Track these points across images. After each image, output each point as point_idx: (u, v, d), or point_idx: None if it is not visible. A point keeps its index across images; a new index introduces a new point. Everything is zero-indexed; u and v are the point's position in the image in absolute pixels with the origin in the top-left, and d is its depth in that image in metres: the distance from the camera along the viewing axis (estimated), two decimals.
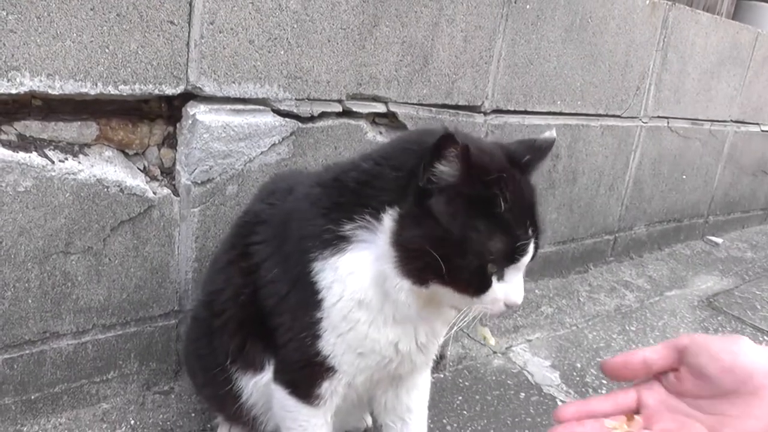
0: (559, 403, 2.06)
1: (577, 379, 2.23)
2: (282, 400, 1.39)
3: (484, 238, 1.09)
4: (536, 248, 1.16)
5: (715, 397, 0.75)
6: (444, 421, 1.89)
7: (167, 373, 1.89)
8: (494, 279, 1.12)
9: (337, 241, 1.22)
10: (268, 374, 1.41)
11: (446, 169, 1.08)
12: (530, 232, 1.13)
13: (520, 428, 1.91)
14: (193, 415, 1.80)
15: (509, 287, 1.14)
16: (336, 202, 1.25)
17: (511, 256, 1.11)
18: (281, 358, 1.37)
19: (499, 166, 1.12)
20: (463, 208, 1.10)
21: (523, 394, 2.09)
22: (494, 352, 2.34)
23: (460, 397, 2.02)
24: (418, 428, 1.54)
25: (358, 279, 1.21)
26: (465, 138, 1.11)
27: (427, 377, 1.56)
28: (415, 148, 1.18)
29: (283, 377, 1.38)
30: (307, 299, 1.27)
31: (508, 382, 2.16)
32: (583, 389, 2.17)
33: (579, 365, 2.33)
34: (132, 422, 1.75)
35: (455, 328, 1.23)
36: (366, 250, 1.20)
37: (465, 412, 1.95)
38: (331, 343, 1.28)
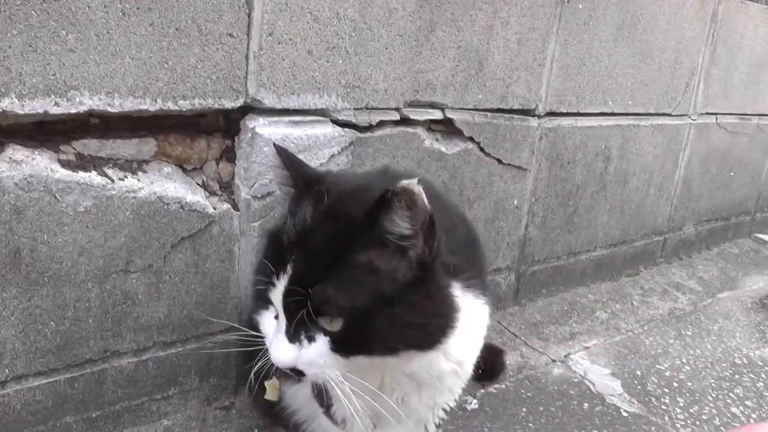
0: (624, 413, 2.01)
1: (639, 387, 2.18)
2: (319, 415, 1.41)
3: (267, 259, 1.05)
4: (312, 299, 0.97)
5: None
6: None
7: (227, 388, 1.87)
8: (272, 311, 1.07)
9: None
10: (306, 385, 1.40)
11: None
12: (288, 266, 1.01)
13: None
14: (255, 430, 1.79)
15: (271, 331, 1.07)
16: None
17: (260, 280, 1.05)
18: None
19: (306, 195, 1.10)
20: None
21: (586, 405, 2.04)
22: (553, 361, 2.29)
23: (524, 409, 1.98)
24: None
25: None
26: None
27: None
28: None
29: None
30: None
31: (570, 392, 2.11)
32: (646, 398, 2.11)
33: (639, 373, 2.28)
34: None
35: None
36: None
37: (531, 425, 1.91)
38: None
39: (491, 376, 2.08)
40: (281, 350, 1.01)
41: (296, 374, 1.04)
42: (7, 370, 1.50)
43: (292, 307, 0.99)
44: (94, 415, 1.68)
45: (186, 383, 1.80)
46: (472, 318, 1.16)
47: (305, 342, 1.01)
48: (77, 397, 1.63)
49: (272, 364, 1.08)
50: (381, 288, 0.99)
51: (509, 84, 2.20)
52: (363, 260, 0.99)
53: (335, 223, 1.02)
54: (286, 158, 1.20)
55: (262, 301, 1.08)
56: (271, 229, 1.22)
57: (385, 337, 1.00)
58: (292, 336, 1.01)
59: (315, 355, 1.01)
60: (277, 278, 1.01)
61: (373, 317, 0.98)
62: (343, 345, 1.00)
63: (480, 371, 2.01)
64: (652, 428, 1.96)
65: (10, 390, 1.53)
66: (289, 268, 1.00)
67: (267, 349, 1.08)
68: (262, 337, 1.13)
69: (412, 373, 1.19)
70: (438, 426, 1.38)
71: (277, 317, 1.05)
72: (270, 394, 1.40)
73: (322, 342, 1.00)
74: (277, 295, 1.01)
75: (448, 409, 1.35)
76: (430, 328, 1.04)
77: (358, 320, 0.98)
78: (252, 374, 1.21)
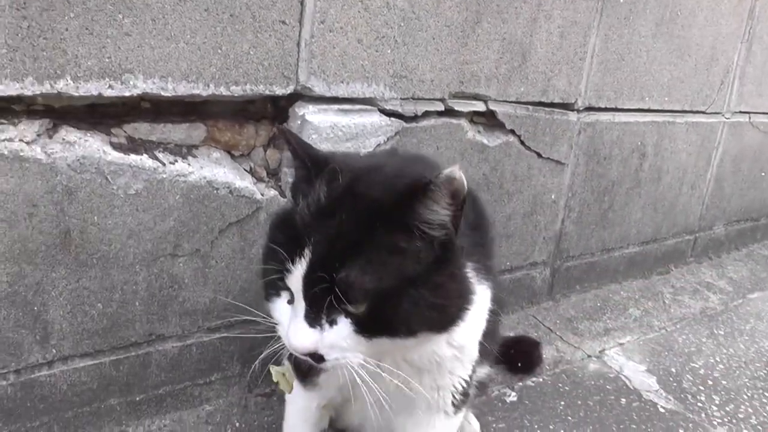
0: (661, 410, 2.00)
1: (674, 384, 2.17)
2: None
3: (278, 243, 1.01)
4: (316, 277, 0.95)
5: None
6: (551, 427, 1.85)
7: (268, 375, 1.86)
8: (285, 297, 1.03)
9: None
10: None
11: None
12: (307, 249, 0.96)
13: None
14: None
15: (288, 320, 1.01)
16: None
17: (276, 264, 1.00)
18: None
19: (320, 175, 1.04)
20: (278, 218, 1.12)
21: (623, 400, 2.04)
22: (588, 356, 2.29)
23: (562, 403, 1.98)
24: None
25: None
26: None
27: (454, 422, 1.39)
28: None
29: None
30: None
31: (607, 387, 2.10)
32: (682, 395, 2.11)
33: (674, 370, 2.27)
34: (237, 424, 1.74)
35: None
36: None
37: (570, 418, 1.90)
38: None
39: (529, 368, 2.08)
40: (301, 335, 0.97)
41: (315, 361, 0.99)
42: (54, 350, 1.51)
43: (315, 292, 0.95)
44: (137, 399, 1.69)
45: (228, 369, 1.81)
46: (477, 302, 1.13)
47: (326, 326, 0.98)
48: (122, 379, 1.64)
49: (281, 353, 1.10)
50: (406, 269, 0.96)
51: (550, 77, 2.20)
52: (389, 242, 0.96)
53: (356, 204, 0.98)
54: (293, 138, 1.14)
55: (272, 288, 1.04)
56: (277, 212, 1.20)
57: (409, 319, 0.97)
58: (313, 320, 0.97)
59: (338, 337, 0.98)
60: (293, 263, 0.96)
61: (398, 298, 0.96)
62: (367, 327, 0.97)
63: (518, 364, 2.03)
64: (690, 425, 1.95)
65: (56, 370, 1.54)
66: (307, 252, 0.95)
67: (278, 337, 1.07)
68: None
69: (411, 360, 1.17)
70: (457, 406, 1.34)
71: (290, 302, 1.01)
72: (283, 385, 1.37)
73: (344, 324, 0.97)
74: (294, 280, 0.97)
75: (459, 389, 1.30)
76: (451, 309, 1.02)
77: (382, 302, 0.95)
78: (257, 361, 1.22)
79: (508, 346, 1.92)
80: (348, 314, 0.97)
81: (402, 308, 0.96)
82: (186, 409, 1.77)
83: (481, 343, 1.29)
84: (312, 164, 1.07)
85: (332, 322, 0.98)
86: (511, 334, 2.27)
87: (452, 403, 1.32)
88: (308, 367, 1.27)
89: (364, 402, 1.13)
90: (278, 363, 1.39)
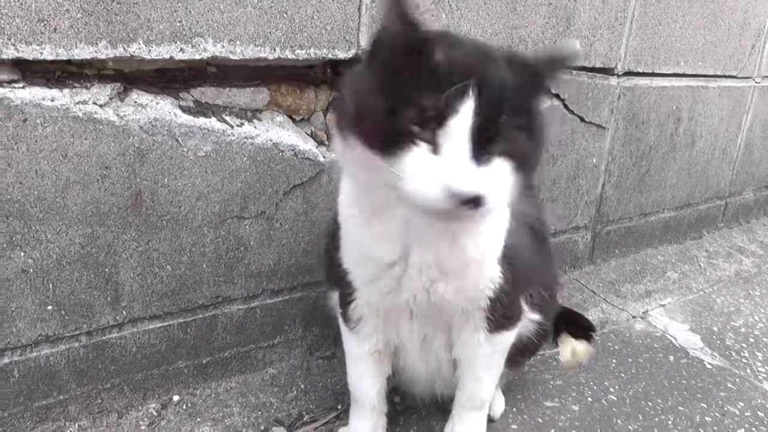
0: (708, 366, 2.04)
1: (718, 342, 2.21)
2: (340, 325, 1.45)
3: (405, 88, 0.93)
4: (496, 128, 0.94)
5: None
6: (605, 383, 1.88)
7: (328, 338, 1.90)
8: (423, 146, 0.93)
9: None
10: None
11: (386, 26, 0.98)
12: (470, 90, 0.91)
13: (678, 390, 1.89)
14: None
15: (448, 165, 0.92)
16: None
17: (436, 116, 0.91)
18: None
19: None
20: (395, 59, 0.96)
21: (671, 357, 2.07)
22: (633, 317, 2.32)
23: (614, 361, 2.01)
24: (474, 383, 1.46)
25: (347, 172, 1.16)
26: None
27: (499, 341, 1.39)
28: None
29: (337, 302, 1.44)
30: (334, 209, 1.29)
31: (655, 345, 2.14)
32: (726, 353, 2.14)
33: (716, 329, 2.30)
34: (302, 386, 1.77)
35: (416, 250, 1.15)
36: None
37: (623, 375, 1.94)
38: (346, 254, 1.27)
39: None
40: (471, 176, 0.92)
41: (475, 205, 0.92)
42: (124, 312, 1.55)
43: (481, 133, 0.92)
44: (204, 361, 1.72)
45: (291, 332, 1.84)
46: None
47: (489, 165, 0.95)
48: (189, 342, 1.68)
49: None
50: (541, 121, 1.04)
51: (593, 42, 2.21)
52: (536, 98, 1.03)
53: (511, 61, 0.99)
54: None
55: (400, 137, 0.93)
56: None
57: (537, 159, 1.05)
58: (477, 161, 0.93)
59: (499, 176, 0.97)
60: (455, 107, 0.91)
61: (534, 143, 1.01)
62: (518, 163, 0.99)
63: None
64: (737, 380, 1.98)
65: (126, 332, 1.58)
66: (471, 95, 0.91)
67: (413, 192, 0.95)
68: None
69: (438, 262, 1.18)
70: (495, 325, 1.35)
71: (434, 151, 0.93)
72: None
73: (499, 163, 0.96)
74: (457, 123, 0.91)
75: (483, 304, 1.30)
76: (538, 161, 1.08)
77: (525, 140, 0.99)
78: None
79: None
80: (501, 154, 0.96)
81: (535, 152, 1.03)
82: (250, 372, 1.80)
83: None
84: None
85: (490, 162, 0.95)
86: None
87: (487, 318, 1.33)
88: (357, 317, 1.36)
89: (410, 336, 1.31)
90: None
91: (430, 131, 0.92)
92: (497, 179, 0.96)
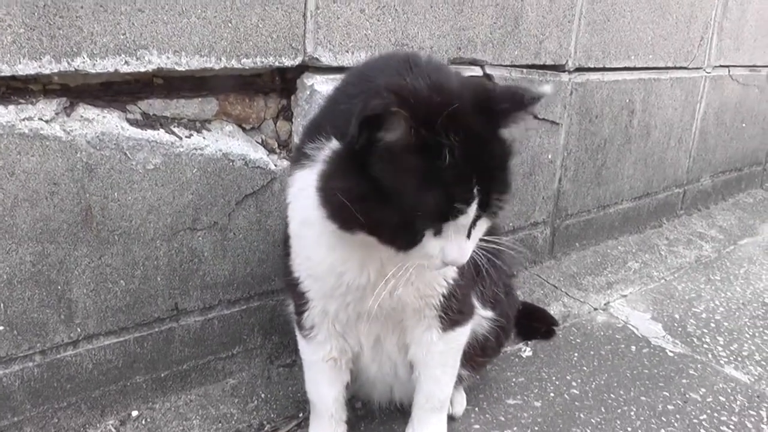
0: (670, 353, 2.06)
1: (680, 329, 2.24)
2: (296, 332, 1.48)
3: (414, 194, 0.98)
4: (488, 207, 1.03)
5: None
6: (568, 377, 1.90)
7: (288, 346, 1.90)
8: (430, 234, 1.04)
9: (301, 158, 1.18)
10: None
11: (387, 134, 0.97)
12: (475, 191, 0.99)
13: (641, 380, 1.91)
14: None
15: (447, 245, 1.05)
16: (315, 118, 1.28)
17: (446, 215, 1.01)
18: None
19: (451, 115, 0.96)
20: (401, 162, 0.98)
21: (633, 347, 2.09)
22: (595, 309, 2.34)
23: (576, 354, 2.03)
24: (431, 383, 1.47)
25: (305, 196, 1.15)
26: (415, 80, 1.02)
27: (452, 338, 1.42)
28: (365, 84, 1.10)
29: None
30: (285, 217, 1.31)
31: (617, 336, 2.16)
32: (688, 339, 2.17)
33: (677, 316, 2.33)
34: (263, 396, 1.77)
35: (393, 279, 1.14)
36: (318, 169, 1.10)
37: (585, 368, 1.96)
38: (297, 264, 1.30)
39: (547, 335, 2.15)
40: (467, 249, 1.08)
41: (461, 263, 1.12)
42: (79, 329, 1.53)
43: (478, 217, 1.06)
44: (162, 375, 1.71)
45: (250, 342, 1.84)
46: None
47: (476, 230, 1.09)
48: (146, 356, 1.66)
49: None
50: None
51: (542, 40, 2.23)
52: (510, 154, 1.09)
53: (495, 134, 1.05)
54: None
55: (414, 232, 1.04)
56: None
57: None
58: (467, 236, 1.08)
59: (482, 231, 1.13)
60: (469, 201, 1.00)
61: (510, 193, 1.10)
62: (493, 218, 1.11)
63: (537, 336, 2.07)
64: (699, 366, 2.01)
65: (82, 349, 1.56)
66: (476, 192, 1.00)
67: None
68: None
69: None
70: (448, 321, 1.39)
71: (437, 234, 1.05)
72: None
73: (483, 225, 1.11)
74: (465, 218, 1.02)
75: (435, 302, 1.34)
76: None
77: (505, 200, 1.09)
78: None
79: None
80: (487, 219, 1.10)
81: (507, 198, 1.10)
82: (211, 383, 1.79)
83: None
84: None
85: (476, 229, 1.10)
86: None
87: (440, 317, 1.37)
88: (311, 324, 1.39)
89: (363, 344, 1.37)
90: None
91: (436, 225, 1.03)
92: (478, 237, 1.12)
